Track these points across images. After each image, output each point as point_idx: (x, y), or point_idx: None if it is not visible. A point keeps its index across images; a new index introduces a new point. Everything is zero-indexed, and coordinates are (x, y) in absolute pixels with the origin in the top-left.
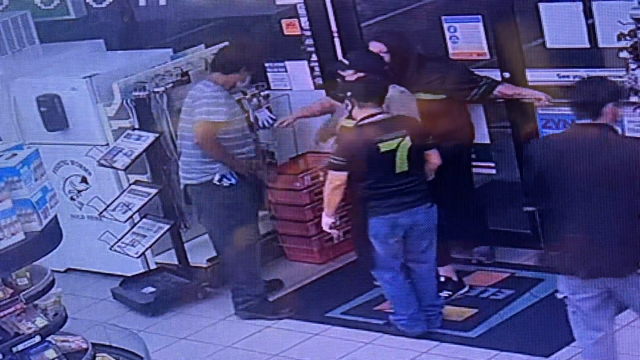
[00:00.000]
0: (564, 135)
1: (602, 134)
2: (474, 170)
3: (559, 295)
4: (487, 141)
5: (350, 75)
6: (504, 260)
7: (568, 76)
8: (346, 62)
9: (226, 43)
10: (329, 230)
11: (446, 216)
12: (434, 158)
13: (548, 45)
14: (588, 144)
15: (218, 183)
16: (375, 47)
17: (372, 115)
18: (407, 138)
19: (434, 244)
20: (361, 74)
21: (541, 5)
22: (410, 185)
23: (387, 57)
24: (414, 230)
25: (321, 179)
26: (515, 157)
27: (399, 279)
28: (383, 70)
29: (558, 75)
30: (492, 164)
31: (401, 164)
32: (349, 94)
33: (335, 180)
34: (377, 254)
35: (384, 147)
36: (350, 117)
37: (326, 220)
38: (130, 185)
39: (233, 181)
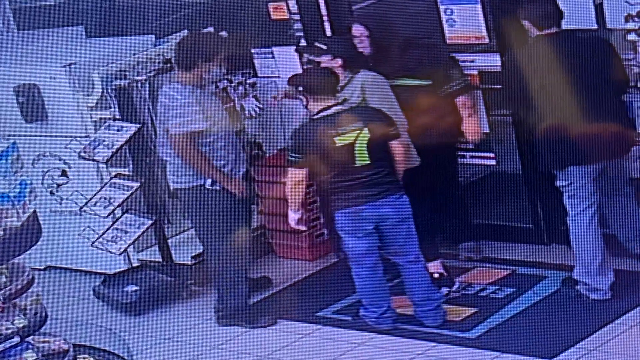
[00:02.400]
0: (546, 40)
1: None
2: (473, 161)
3: (558, 184)
4: (486, 130)
5: (327, 61)
6: (505, 257)
7: None
8: (323, 46)
9: (183, 34)
10: (295, 226)
11: (428, 210)
12: (396, 148)
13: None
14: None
15: (210, 187)
16: (357, 30)
17: (328, 108)
18: (366, 130)
19: (413, 236)
20: (339, 60)
21: None
22: (373, 177)
23: (368, 41)
24: (385, 223)
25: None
26: (517, 148)
27: (375, 275)
28: (357, 55)
29: None
30: (492, 155)
31: (361, 156)
32: (300, 88)
33: (294, 177)
34: (349, 249)
35: (340, 140)
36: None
37: (292, 216)
38: (111, 178)
39: None
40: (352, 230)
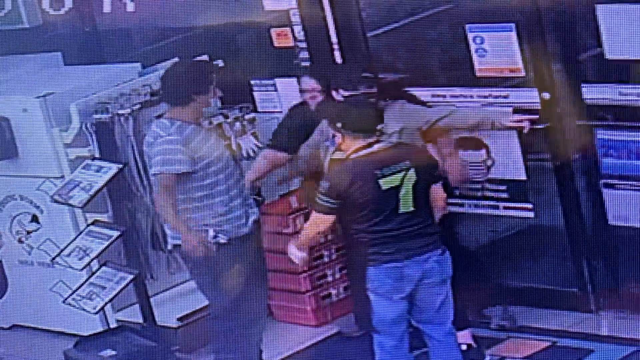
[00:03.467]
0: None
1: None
2: (508, 212)
3: None
4: (523, 177)
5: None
6: (544, 326)
7: (632, 93)
8: (369, 75)
9: (172, 62)
10: (292, 257)
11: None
12: (439, 193)
13: (607, 56)
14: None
15: (212, 240)
16: (308, 84)
17: (370, 145)
18: (412, 171)
19: (450, 300)
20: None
21: (598, 7)
22: (418, 227)
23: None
24: (424, 284)
25: None
26: (559, 197)
27: (402, 347)
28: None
29: (620, 92)
30: (529, 206)
31: (406, 202)
32: (338, 125)
33: (319, 224)
34: (377, 314)
35: (385, 183)
36: (339, 149)
37: (294, 252)
38: (88, 226)
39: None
40: (388, 291)
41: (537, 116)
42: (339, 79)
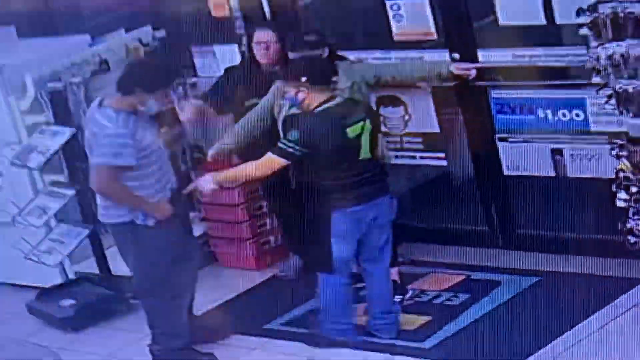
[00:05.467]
0: None
1: None
2: (424, 162)
3: None
4: (437, 130)
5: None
6: (459, 261)
7: (524, 56)
8: (312, 38)
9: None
10: (201, 186)
11: None
12: (383, 143)
13: (501, 22)
14: None
15: (141, 222)
16: (264, 36)
17: (332, 99)
18: (369, 121)
19: (390, 240)
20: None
21: None
22: (373, 173)
23: (274, 48)
24: (375, 225)
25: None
26: (467, 147)
27: (350, 285)
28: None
29: (513, 55)
30: (442, 155)
31: (365, 149)
32: (303, 79)
33: (269, 166)
34: (336, 255)
35: (351, 131)
36: (302, 103)
37: (208, 184)
38: (45, 186)
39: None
40: (348, 233)
41: (479, 64)
42: (292, 39)
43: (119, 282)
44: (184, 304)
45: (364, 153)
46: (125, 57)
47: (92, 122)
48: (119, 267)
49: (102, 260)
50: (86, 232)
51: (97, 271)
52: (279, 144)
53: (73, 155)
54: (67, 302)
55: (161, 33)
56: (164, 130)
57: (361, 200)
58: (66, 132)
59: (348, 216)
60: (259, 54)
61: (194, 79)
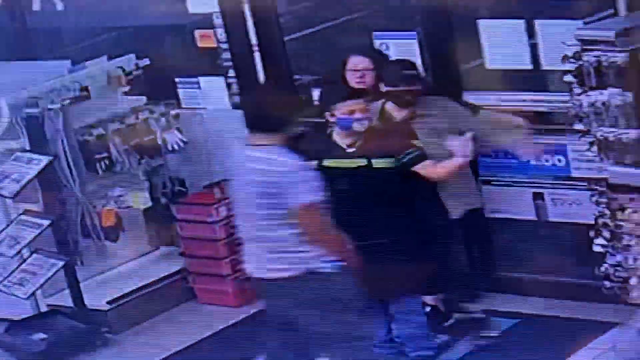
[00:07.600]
0: None
1: None
2: None
3: None
4: None
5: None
6: None
7: (509, 100)
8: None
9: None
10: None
11: None
12: None
13: (488, 66)
14: None
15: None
16: (361, 63)
17: None
18: None
19: None
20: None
21: (481, 22)
22: None
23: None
24: None
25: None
26: None
27: None
28: None
29: (498, 99)
30: None
31: None
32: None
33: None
34: None
35: None
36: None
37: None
38: (19, 215)
39: None
40: None
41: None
42: (387, 73)
43: (93, 316)
44: None
45: None
46: (107, 84)
47: (281, 162)
48: (94, 300)
49: (76, 292)
50: (61, 263)
51: (71, 304)
52: None
53: (49, 184)
54: (39, 335)
55: (145, 61)
56: (144, 161)
57: None
58: (42, 160)
59: None
60: (354, 80)
61: (177, 111)
